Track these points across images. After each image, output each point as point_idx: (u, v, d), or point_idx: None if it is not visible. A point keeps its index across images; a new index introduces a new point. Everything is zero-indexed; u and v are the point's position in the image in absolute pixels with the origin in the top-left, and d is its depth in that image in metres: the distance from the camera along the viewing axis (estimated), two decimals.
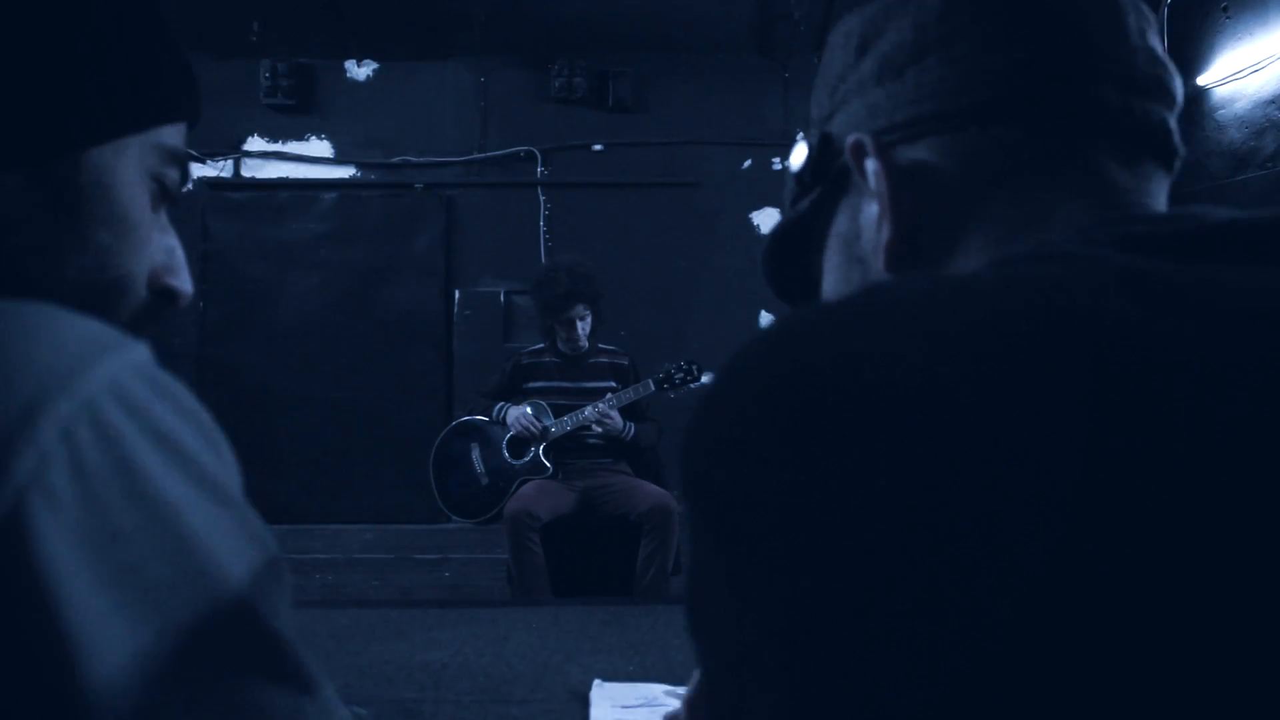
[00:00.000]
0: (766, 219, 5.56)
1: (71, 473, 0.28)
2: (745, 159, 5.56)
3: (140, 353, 0.34)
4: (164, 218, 0.53)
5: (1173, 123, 0.46)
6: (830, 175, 0.50)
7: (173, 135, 0.51)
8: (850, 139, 0.47)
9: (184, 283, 0.54)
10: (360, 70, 5.53)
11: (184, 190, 0.52)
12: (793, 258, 0.56)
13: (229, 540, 0.32)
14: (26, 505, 0.27)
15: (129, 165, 0.48)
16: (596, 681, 1.22)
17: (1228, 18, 3.85)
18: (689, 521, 0.34)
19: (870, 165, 0.47)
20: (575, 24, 5.04)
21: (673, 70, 5.49)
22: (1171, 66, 0.47)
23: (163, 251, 0.53)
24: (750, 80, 5.54)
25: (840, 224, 0.50)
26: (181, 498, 0.31)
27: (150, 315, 0.53)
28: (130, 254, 0.49)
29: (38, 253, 0.44)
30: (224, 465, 0.34)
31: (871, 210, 0.47)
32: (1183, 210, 0.38)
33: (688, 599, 0.34)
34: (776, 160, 5.57)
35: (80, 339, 0.32)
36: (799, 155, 0.52)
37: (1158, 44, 0.47)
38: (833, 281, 0.51)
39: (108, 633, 0.28)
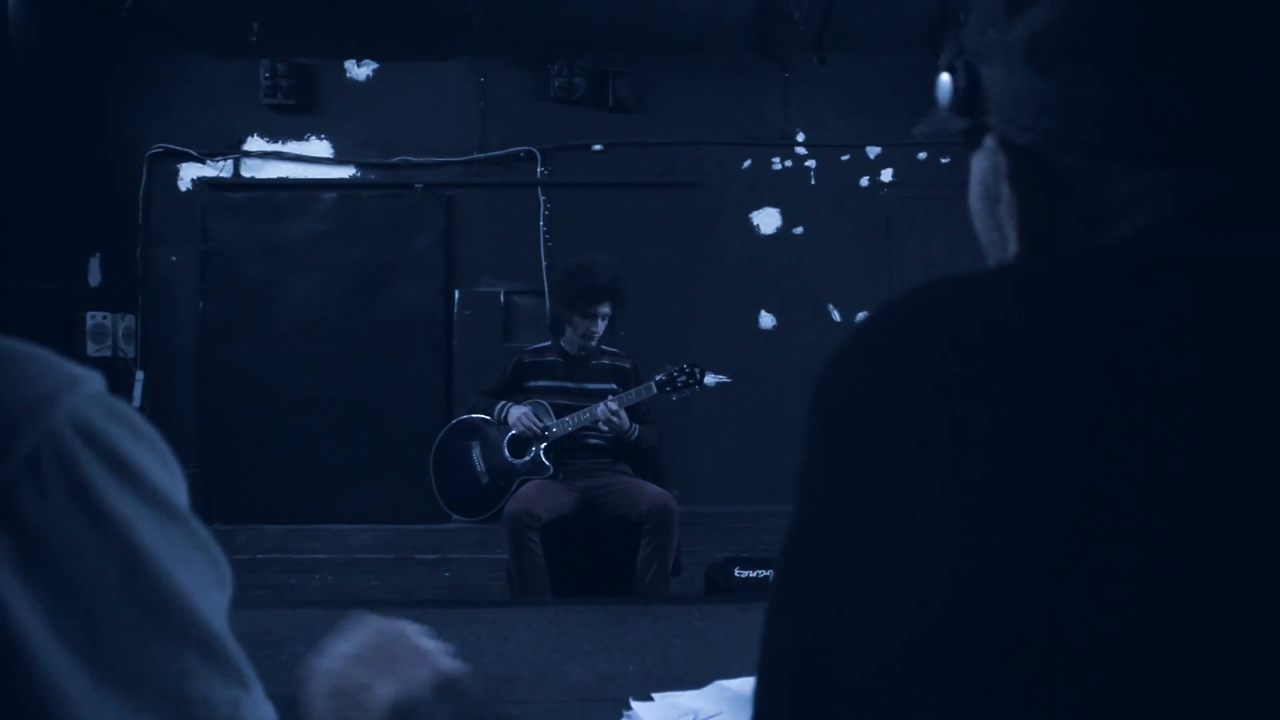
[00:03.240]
0: (766, 219, 5.56)
1: (34, 497, 0.32)
2: (745, 159, 5.56)
3: (97, 384, 0.36)
4: None
5: None
6: (974, 117, 0.49)
7: None
8: (988, 142, 0.47)
9: None
10: (360, 70, 5.53)
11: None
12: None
13: (176, 550, 0.35)
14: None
15: None
16: (628, 712, 1.16)
17: None
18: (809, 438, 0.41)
19: (1002, 160, 0.46)
20: (575, 24, 5.04)
21: (673, 70, 5.49)
22: None
23: None
24: (750, 80, 5.53)
25: (982, 168, 0.50)
26: (133, 513, 0.34)
27: None
28: None
29: None
30: (174, 481, 0.37)
31: (1006, 203, 0.47)
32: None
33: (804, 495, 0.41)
34: (776, 160, 5.57)
35: (45, 375, 0.35)
36: (945, 85, 0.50)
37: None
38: (978, 217, 0.51)
39: (48, 643, 0.32)
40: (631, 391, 3.18)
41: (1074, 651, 0.30)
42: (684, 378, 3.21)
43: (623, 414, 3.13)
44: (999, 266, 0.46)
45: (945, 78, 0.50)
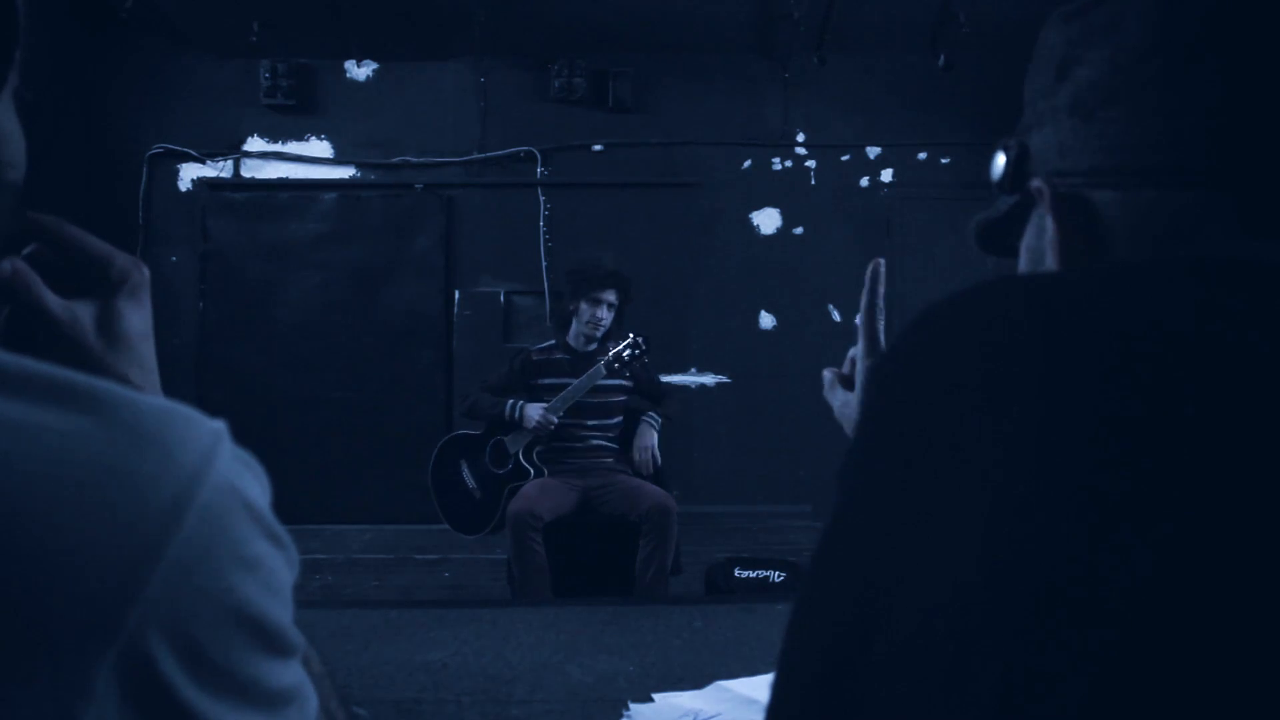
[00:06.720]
0: (766, 219, 5.56)
1: (203, 547, 0.37)
2: (745, 159, 5.56)
3: (226, 434, 0.41)
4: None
5: None
6: (1024, 187, 0.53)
7: None
8: (1034, 183, 0.51)
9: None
10: (360, 70, 5.53)
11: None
12: (996, 237, 0.61)
13: (283, 572, 0.41)
14: (184, 575, 0.36)
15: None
16: (628, 712, 1.16)
17: None
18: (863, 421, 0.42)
19: (1047, 199, 0.50)
20: (575, 24, 5.04)
21: (673, 70, 5.49)
22: None
23: None
24: (750, 80, 5.53)
25: (1029, 236, 0.54)
26: (261, 550, 0.40)
27: None
28: None
29: None
30: (269, 504, 0.42)
31: (1050, 239, 0.51)
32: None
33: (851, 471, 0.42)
34: (776, 160, 5.57)
35: (201, 434, 0.39)
36: (999, 162, 0.55)
37: None
38: None
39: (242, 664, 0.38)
40: (583, 378, 3.15)
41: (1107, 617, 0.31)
42: (630, 350, 3.17)
43: (654, 450, 3.19)
44: (1057, 271, 0.50)
45: (999, 155, 0.55)
